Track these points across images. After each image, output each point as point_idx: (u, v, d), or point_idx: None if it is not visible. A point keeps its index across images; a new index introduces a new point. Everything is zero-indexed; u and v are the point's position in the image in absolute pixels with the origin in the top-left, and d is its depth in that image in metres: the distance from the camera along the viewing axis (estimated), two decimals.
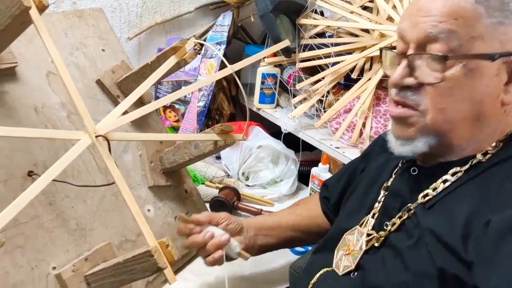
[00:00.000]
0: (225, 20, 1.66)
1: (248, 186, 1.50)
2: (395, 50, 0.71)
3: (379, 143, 0.95)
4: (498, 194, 0.61)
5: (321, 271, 0.77)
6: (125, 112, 0.94)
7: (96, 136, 0.81)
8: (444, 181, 0.67)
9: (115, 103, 1.11)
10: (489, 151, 0.66)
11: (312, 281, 0.77)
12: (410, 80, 0.66)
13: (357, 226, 0.76)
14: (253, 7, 1.60)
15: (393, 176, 0.80)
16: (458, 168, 0.67)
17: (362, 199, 0.82)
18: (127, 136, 0.97)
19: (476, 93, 0.63)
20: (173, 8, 1.66)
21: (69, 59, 1.08)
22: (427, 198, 0.68)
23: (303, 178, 1.56)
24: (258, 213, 1.32)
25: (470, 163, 0.66)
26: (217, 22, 1.67)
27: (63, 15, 1.11)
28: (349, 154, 1.33)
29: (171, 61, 1.00)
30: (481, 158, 0.66)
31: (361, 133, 1.38)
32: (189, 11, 1.69)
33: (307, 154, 1.65)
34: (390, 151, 0.76)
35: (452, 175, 0.67)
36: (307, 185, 1.49)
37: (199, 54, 1.62)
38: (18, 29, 0.83)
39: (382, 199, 0.77)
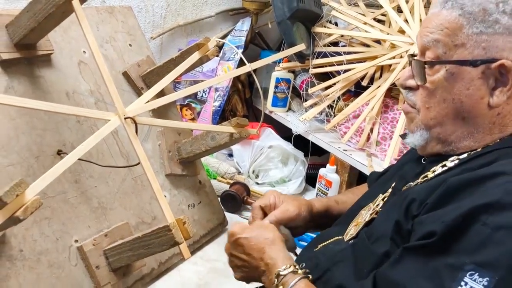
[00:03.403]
0: (244, 25, 1.74)
1: (258, 183, 1.56)
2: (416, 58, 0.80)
3: None
4: (474, 170, 0.68)
5: (334, 238, 0.85)
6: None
7: (125, 118, 0.87)
8: (443, 166, 0.75)
9: (139, 94, 1.18)
10: (489, 145, 0.73)
11: (322, 244, 0.85)
12: (410, 82, 0.77)
13: (370, 204, 0.85)
14: (271, 15, 1.68)
15: None
16: (457, 157, 0.74)
17: (383, 184, 0.90)
18: (152, 121, 1.04)
19: (457, 95, 0.72)
20: (195, 12, 1.75)
21: (99, 50, 1.15)
22: (425, 178, 0.76)
23: (310, 180, 1.62)
24: None
25: (468, 154, 0.73)
26: (236, 27, 1.76)
27: (96, 10, 1.19)
28: (356, 157, 1.39)
29: (195, 56, 1.07)
30: (479, 150, 0.73)
31: (368, 138, 1.44)
32: (210, 16, 1.78)
33: (315, 159, 1.71)
34: None
35: (451, 162, 0.74)
36: (314, 187, 1.55)
37: (217, 56, 1.69)
38: (59, 17, 0.91)
39: (394, 185, 0.85)
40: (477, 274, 0.56)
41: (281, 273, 0.74)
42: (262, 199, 0.95)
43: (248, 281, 0.85)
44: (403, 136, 0.86)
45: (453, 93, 0.72)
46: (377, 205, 0.82)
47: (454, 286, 0.57)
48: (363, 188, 1.10)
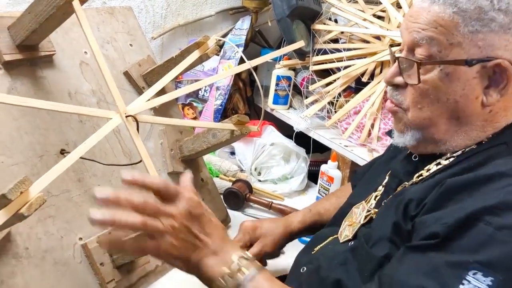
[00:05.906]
0: (244, 24, 1.75)
1: (260, 181, 1.58)
2: (400, 53, 0.77)
3: None
4: (472, 169, 0.68)
5: (329, 239, 0.86)
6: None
7: (126, 116, 0.89)
8: (438, 164, 0.74)
9: (140, 93, 1.18)
10: (484, 142, 0.72)
11: (319, 246, 0.85)
12: (398, 79, 0.74)
13: (363, 202, 0.84)
14: (271, 13, 1.69)
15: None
16: (451, 154, 0.74)
17: (372, 181, 0.90)
18: (153, 119, 1.05)
19: (452, 95, 0.70)
20: (195, 12, 1.76)
21: (100, 51, 1.17)
22: (420, 178, 0.76)
23: (313, 177, 1.63)
24: (268, 204, 1.39)
25: (462, 151, 0.73)
26: (236, 26, 1.77)
27: (96, 11, 1.20)
28: (358, 152, 1.40)
29: (194, 55, 1.08)
30: (474, 147, 0.72)
31: (369, 134, 1.45)
32: (210, 15, 1.79)
33: (317, 156, 1.72)
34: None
35: (446, 159, 0.74)
36: (316, 183, 1.56)
37: (218, 55, 1.70)
38: (60, 19, 0.93)
39: (386, 183, 0.85)
40: (480, 273, 0.56)
41: (244, 256, 0.67)
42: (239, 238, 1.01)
43: (173, 260, 0.68)
44: (390, 133, 0.85)
45: (448, 93, 0.70)
46: (371, 204, 0.82)
47: (457, 284, 0.57)
48: (347, 188, 1.11)
